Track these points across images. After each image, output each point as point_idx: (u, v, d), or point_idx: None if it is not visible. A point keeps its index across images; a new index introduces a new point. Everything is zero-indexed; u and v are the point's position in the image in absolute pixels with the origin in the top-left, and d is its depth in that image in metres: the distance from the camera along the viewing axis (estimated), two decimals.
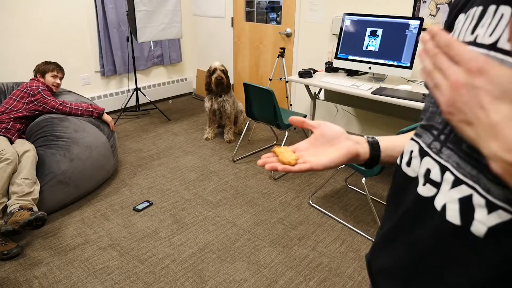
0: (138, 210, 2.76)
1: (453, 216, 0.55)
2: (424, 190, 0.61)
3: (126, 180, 3.18)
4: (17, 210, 2.31)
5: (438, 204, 0.58)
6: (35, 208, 2.43)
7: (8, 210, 2.35)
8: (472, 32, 0.55)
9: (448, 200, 0.56)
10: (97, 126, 3.02)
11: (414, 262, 0.63)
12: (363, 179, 2.53)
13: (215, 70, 3.70)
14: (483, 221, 0.51)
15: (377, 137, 0.79)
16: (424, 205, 0.60)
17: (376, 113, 3.55)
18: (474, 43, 0.54)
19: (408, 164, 0.68)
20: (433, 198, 0.59)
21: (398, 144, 0.80)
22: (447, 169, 0.56)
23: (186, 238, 2.49)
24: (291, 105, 4.33)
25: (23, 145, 2.61)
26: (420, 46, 2.91)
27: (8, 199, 2.41)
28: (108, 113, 4.63)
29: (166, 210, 2.79)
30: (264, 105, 3.17)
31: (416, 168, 0.65)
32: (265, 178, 3.27)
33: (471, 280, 0.55)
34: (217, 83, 3.69)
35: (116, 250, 2.37)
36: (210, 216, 2.71)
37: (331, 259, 2.32)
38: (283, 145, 3.43)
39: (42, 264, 2.25)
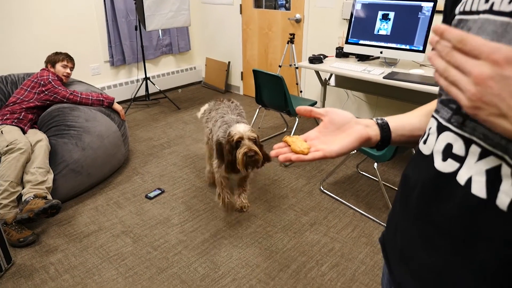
0: (150, 198, 2.78)
1: (479, 189, 0.53)
2: (445, 165, 0.59)
3: (137, 169, 3.21)
4: (31, 198, 2.34)
5: (461, 178, 0.56)
6: (49, 197, 2.46)
7: (23, 198, 2.38)
8: (487, 0, 0.53)
9: (474, 172, 0.54)
10: (108, 115, 3.03)
11: (433, 240, 0.62)
12: (375, 164, 2.50)
13: (240, 140, 2.16)
14: (507, 192, 0.50)
15: (386, 118, 0.78)
16: (445, 181, 0.59)
17: (387, 98, 3.51)
18: (490, 11, 0.51)
19: (425, 141, 0.66)
20: (455, 173, 0.57)
21: (407, 122, 0.79)
22: (473, 141, 0.55)
23: (198, 224, 2.50)
24: (301, 91, 4.29)
25: (36, 135, 2.64)
26: (429, 48, 2.85)
27: (23, 188, 2.44)
28: (118, 102, 4.65)
29: (177, 197, 2.80)
30: (274, 92, 3.15)
31: (431, 145, 0.63)
32: (275, 165, 3.26)
33: (496, 256, 0.53)
34: (247, 163, 2.15)
35: (129, 236, 2.40)
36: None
37: (343, 244, 2.31)
38: (293, 133, 3.42)
39: (58, 251, 2.29)
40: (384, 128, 0.75)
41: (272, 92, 3.18)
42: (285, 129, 3.96)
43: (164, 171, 3.17)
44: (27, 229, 2.34)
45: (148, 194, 2.81)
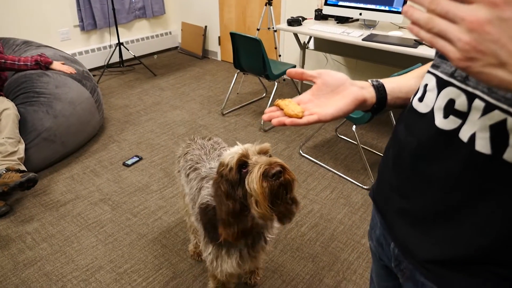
0: (128, 165, 2.74)
1: (484, 145, 0.52)
2: (446, 123, 0.57)
3: (114, 136, 3.13)
4: (4, 171, 2.26)
5: (464, 135, 0.54)
6: (23, 167, 2.38)
7: None
8: None
9: (477, 128, 0.52)
10: (79, 81, 2.91)
11: (435, 200, 0.61)
12: (354, 127, 2.51)
13: (244, 162, 1.09)
14: None
15: (381, 80, 0.74)
16: (446, 138, 0.57)
17: (366, 61, 3.49)
18: None
19: (421, 99, 0.64)
20: (457, 130, 0.56)
21: (403, 84, 0.75)
22: (476, 96, 0.52)
23: (178, 190, 2.49)
24: (280, 55, 4.22)
25: (2, 103, 2.50)
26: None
27: None
28: (91, 70, 4.47)
29: (156, 164, 2.76)
30: (252, 56, 3.08)
31: (430, 102, 0.61)
32: (255, 130, 3.24)
33: (503, 210, 0.53)
34: (275, 194, 1.04)
35: (107, 204, 2.37)
36: None
37: (322, 205, 2.35)
38: (272, 98, 3.38)
39: (34, 220, 2.24)
40: (380, 90, 0.71)
41: (250, 56, 3.11)
42: (264, 95, 3.92)
43: (142, 138, 3.11)
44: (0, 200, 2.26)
45: (126, 162, 2.76)
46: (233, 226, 1.12)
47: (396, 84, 0.75)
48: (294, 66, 3.37)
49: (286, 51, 4.27)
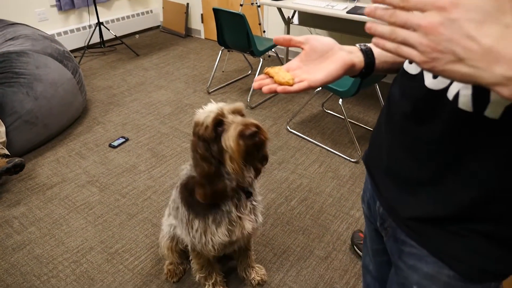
0: (114, 147, 2.70)
1: (465, 102, 0.54)
2: (436, 82, 0.59)
3: (98, 118, 3.07)
4: None
5: (450, 94, 0.56)
6: (6, 151, 2.33)
7: None
8: None
9: (461, 86, 0.54)
10: (60, 61, 2.83)
11: (420, 161, 0.63)
12: (340, 101, 2.52)
13: (220, 121, 1.13)
14: (500, 102, 0.50)
15: (369, 44, 0.74)
16: (435, 99, 0.59)
17: (351, 35, 3.46)
18: None
19: (411, 61, 0.64)
20: (445, 89, 0.57)
21: None
22: None
23: (166, 170, 2.47)
24: (264, 31, 4.16)
25: None
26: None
27: None
28: (71, 51, 4.34)
29: (143, 144, 2.73)
30: (237, 32, 3.02)
31: None
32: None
33: (484, 168, 0.55)
34: (249, 153, 1.11)
35: (95, 186, 2.34)
36: (188, 148, 2.68)
37: (310, 180, 2.37)
38: (257, 74, 3.35)
39: (20, 205, 2.21)
40: (368, 54, 0.71)
41: (234, 32, 3.05)
42: (249, 72, 3.87)
43: (127, 119, 3.06)
44: None
45: (112, 143, 2.72)
46: (205, 187, 1.18)
47: None
48: None
49: (271, 26, 4.21)
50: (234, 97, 3.38)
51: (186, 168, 1.32)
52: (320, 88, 2.63)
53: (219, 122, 1.13)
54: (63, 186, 2.34)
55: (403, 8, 0.43)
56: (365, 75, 0.73)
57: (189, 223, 1.33)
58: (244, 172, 1.18)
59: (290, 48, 3.90)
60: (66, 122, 2.84)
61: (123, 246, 1.93)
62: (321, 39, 0.69)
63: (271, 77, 0.67)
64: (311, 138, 2.76)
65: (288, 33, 3.60)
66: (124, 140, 2.76)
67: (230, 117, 1.12)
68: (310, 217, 2.08)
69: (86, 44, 4.41)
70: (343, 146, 2.67)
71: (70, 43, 4.32)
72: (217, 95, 3.43)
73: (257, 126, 1.08)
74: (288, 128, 2.89)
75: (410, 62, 0.65)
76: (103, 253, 1.90)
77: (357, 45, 0.73)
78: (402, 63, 0.72)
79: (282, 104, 3.27)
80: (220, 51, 3.41)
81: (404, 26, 0.43)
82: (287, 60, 3.99)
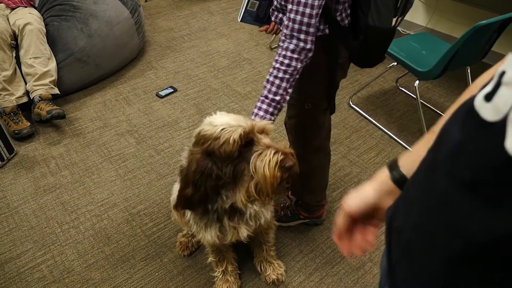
0: (161, 96, 2.58)
1: None
2: None
3: (152, 63, 2.95)
4: (38, 100, 2.22)
5: None
6: (56, 91, 2.32)
7: (31, 96, 2.26)
8: None
9: None
10: None
11: (464, 271, 0.40)
12: (416, 82, 2.10)
13: (250, 140, 0.97)
14: None
15: (400, 166, 0.61)
16: None
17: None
18: None
19: (489, 96, 0.37)
20: None
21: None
22: None
23: None
24: None
25: (24, 17, 2.30)
26: None
27: (26, 83, 2.29)
28: None
29: (190, 98, 2.58)
30: None
31: (504, 105, 0.34)
32: None
33: None
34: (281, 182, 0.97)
35: (133, 137, 2.27)
36: (236, 109, 2.48)
37: (362, 169, 2.06)
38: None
39: (60, 145, 2.21)
40: (402, 183, 0.60)
41: None
42: None
43: (180, 67, 2.90)
44: (25, 121, 2.21)
45: (159, 92, 2.60)
46: (182, 202, 1.03)
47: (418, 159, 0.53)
48: None
49: None
50: None
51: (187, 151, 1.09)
52: (396, 63, 2.22)
53: (249, 141, 0.96)
54: (103, 132, 2.30)
55: None
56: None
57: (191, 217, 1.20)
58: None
59: None
60: (119, 63, 2.76)
61: (145, 209, 1.85)
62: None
63: None
64: (374, 119, 2.39)
65: None
66: (172, 90, 2.62)
67: (263, 140, 0.97)
68: None
69: None
70: (410, 135, 2.28)
71: None
72: None
73: (293, 155, 0.96)
74: (350, 103, 2.54)
75: (488, 98, 0.37)
76: (125, 212, 1.83)
77: (389, 174, 0.62)
78: None
79: (350, 73, 2.87)
80: None
81: None
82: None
